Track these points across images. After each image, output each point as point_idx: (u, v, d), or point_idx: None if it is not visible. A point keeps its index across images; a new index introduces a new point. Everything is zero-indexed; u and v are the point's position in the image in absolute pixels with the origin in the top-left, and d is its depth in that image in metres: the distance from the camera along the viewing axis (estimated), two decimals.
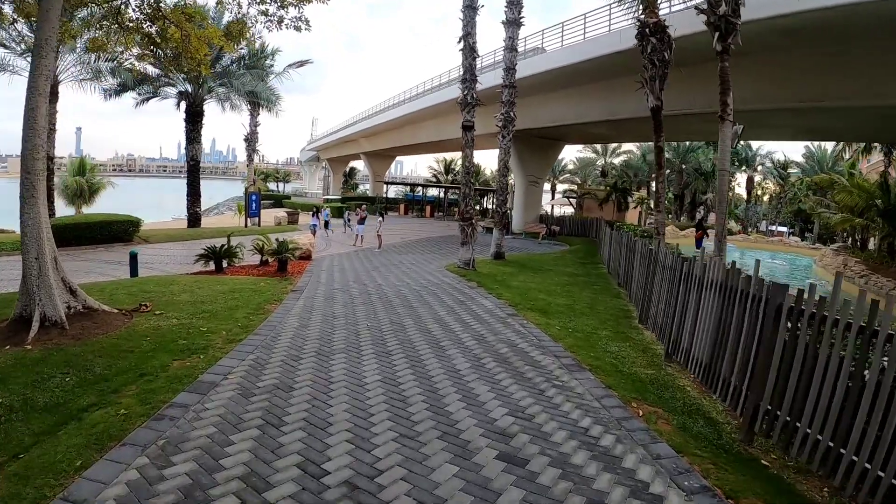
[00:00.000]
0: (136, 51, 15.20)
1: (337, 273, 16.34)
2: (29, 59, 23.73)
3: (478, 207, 61.61)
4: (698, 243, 26.71)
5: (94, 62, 24.58)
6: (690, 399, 7.03)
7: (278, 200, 68.79)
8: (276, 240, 16.15)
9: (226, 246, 15.98)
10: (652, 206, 66.37)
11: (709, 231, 25.20)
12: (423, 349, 8.51)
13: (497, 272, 18.27)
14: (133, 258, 15.48)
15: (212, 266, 15.73)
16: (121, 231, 22.99)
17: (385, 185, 62.87)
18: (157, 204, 71.35)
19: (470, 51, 18.20)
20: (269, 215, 38.58)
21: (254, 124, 35.99)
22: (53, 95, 24.21)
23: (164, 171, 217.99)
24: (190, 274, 15.28)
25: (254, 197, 31.92)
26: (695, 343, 7.76)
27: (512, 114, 22.17)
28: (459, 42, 18.19)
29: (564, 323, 11.17)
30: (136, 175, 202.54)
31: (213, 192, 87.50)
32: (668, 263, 9.52)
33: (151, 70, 26.72)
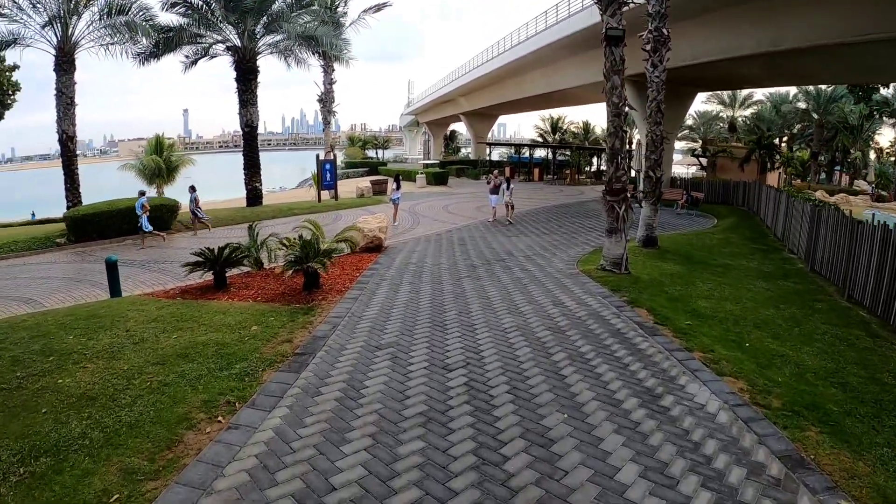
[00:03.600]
0: None
1: (406, 286, 10.28)
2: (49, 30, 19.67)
3: (589, 169, 53.70)
4: None
5: (114, 18, 19.96)
6: None
7: (374, 167, 64.46)
8: (300, 237, 10.11)
9: (236, 246, 10.44)
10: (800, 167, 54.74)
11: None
12: None
13: (661, 276, 11.38)
14: (111, 268, 10.36)
15: (212, 276, 10.26)
16: (153, 218, 18.48)
17: (488, 147, 56.60)
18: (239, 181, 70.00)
19: None
20: (352, 185, 33.55)
21: (328, 82, 30.68)
22: (69, 64, 20.02)
23: (269, 144, 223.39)
24: (173, 295, 9.89)
25: (327, 166, 26.72)
26: None
27: (665, 30, 14.71)
28: None
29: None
30: (241, 150, 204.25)
31: (307, 163, 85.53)
32: None
33: (181, 21, 21.97)
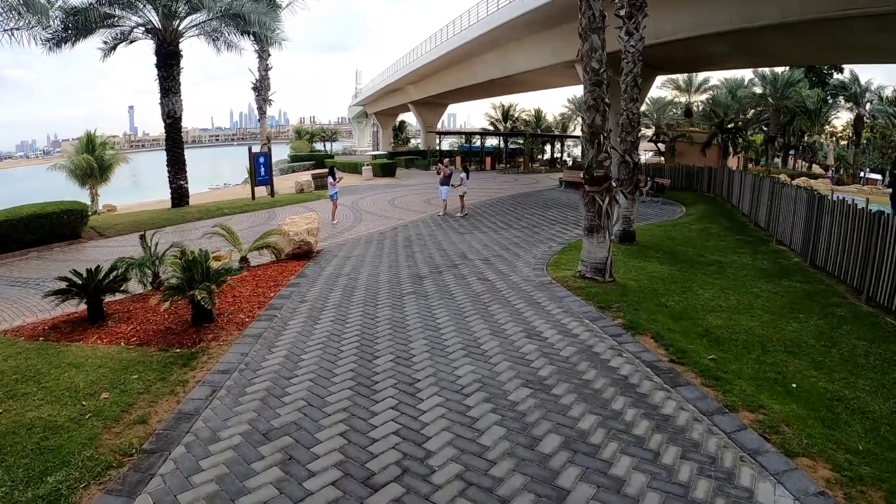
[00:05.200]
0: None
1: (330, 312, 7.76)
2: None
3: (542, 157, 52.15)
4: None
5: None
6: None
7: (320, 160, 60.93)
8: (182, 253, 7.42)
9: (130, 261, 7.74)
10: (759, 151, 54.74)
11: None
12: None
13: (650, 281, 9.30)
14: None
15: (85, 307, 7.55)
16: (59, 225, 15.37)
17: (438, 137, 54.14)
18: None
19: None
20: (291, 180, 30.44)
21: (263, 68, 27.38)
22: None
23: (217, 139, 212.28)
24: (40, 332, 7.14)
25: (261, 160, 23.58)
26: None
27: None
28: None
29: None
30: (189, 146, 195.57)
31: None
32: None
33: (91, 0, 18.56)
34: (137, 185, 61.05)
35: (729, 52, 26.69)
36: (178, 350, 6.33)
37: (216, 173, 66.71)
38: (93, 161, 29.76)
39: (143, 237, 9.31)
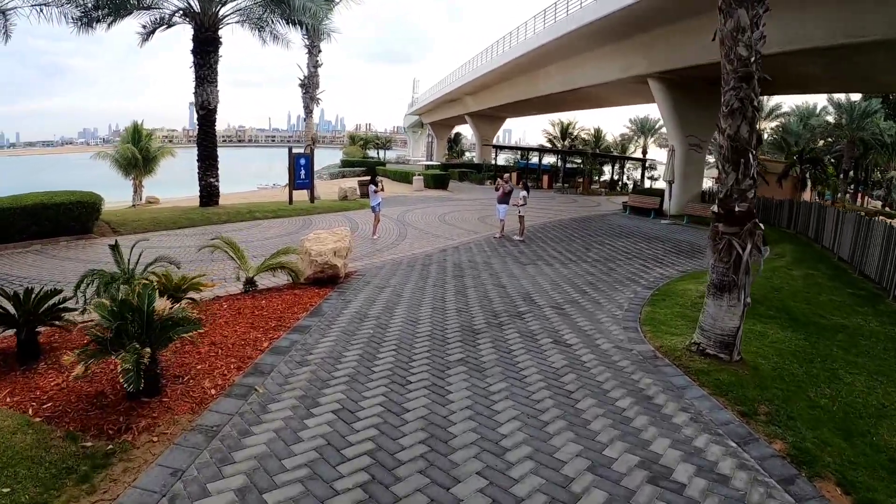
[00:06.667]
0: None
1: (337, 394, 5.28)
2: None
3: (599, 178, 49.04)
4: None
5: None
6: None
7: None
8: (112, 299, 5.09)
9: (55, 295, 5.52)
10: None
11: None
12: None
13: (781, 359, 6.62)
14: None
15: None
16: (67, 217, 13.68)
17: (494, 151, 51.69)
18: (239, 174, 66.56)
19: None
20: (338, 185, 28.48)
21: (312, 64, 25.61)
22: None
23: (273, 140, 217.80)
24: None
25: (301, 161, 21.54)
26: None
27: None
28: None
29: None
30: (246, 145, 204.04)
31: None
32: None
33: None
34: (189, 181, 61.44)
35: (821, 73, 22.98)
36: (88, 443, 3.99)
37: (267, 173, 66.53)
38: (136, 152, 29.20)
39: (113, 247, 7.11)
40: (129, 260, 6.72)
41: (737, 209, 6.23)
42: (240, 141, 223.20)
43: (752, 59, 6.25)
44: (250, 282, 8.73)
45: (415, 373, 5.59)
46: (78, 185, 16.22)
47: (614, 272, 11.60)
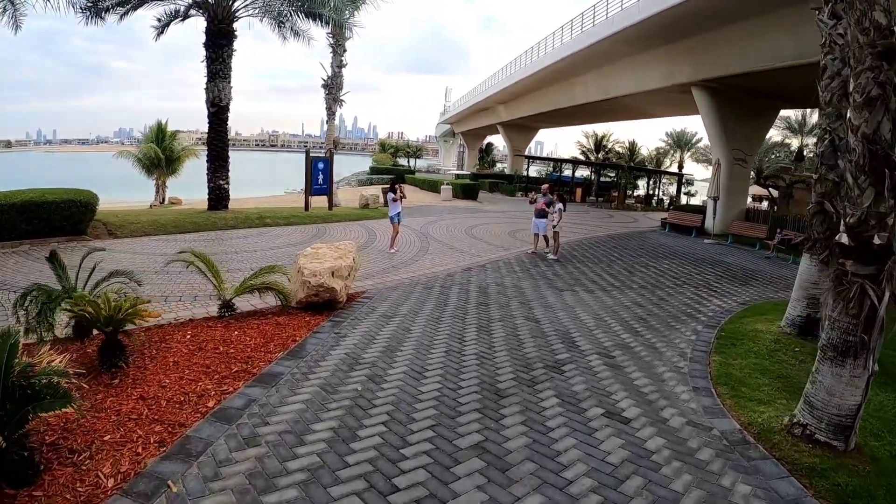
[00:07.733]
0: None
1: (297, 474, 3.61)
2: None
3: (633, 193, 46.77)
4: None
5: None
6: None
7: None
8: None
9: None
10: None
11: None
12: None
13: None
14: None
15: None
16: (60, 217, 12.54)
17: (526, 161, 50.12)
18: (270, 178, 66.27)
19: None
20: (358, 193, 27.04)
21: (336, 64, 24.27)
22: None
23: (305, 145, 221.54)
24: None
25: (320, 165, 20.09)
26: None
27: None
28: None
29: None
30: (279, 150, 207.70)
31: (341, 168, 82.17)
32: None
33: None
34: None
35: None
36: None
37: (297, 178, 66.61)
38: (159, 151, 28.32)
39: (50, 258, 5.62)
40: (77, 276, 5.26)
41: (875, 242, 4.39)
42: (272, 145, 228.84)
43: (892, 23, 4.42)
44: (227, 305, 7.17)
45: (406, 469, 3.84)
46: (89, 183, 15.29)
47: (666, 303, 9.74)
